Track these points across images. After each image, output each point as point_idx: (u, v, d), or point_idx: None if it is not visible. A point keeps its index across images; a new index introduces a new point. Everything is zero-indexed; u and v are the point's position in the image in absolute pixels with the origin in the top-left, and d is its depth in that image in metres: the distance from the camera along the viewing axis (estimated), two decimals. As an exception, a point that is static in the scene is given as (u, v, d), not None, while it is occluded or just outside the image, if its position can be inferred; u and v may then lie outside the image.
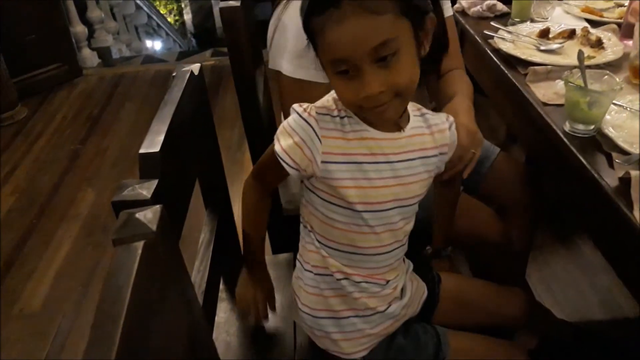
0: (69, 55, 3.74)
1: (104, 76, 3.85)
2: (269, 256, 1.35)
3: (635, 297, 0.96)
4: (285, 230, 1.39)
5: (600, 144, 1.04)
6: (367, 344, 0.97)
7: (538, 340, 1.24)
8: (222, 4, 1.20)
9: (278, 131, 0.87)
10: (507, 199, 1.43)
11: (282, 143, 0.85)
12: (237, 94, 1.28)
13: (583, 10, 1.66)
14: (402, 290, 0.99)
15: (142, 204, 0.68)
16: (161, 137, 0.81)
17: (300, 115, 0.84)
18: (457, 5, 1.73)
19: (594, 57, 1.35)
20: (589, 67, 1.18)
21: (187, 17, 8.35)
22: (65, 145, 3.01)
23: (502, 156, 1.44)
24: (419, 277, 1.05)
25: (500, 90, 1.47)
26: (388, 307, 0.95)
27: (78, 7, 3.93)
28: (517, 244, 1.42)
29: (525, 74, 1.32)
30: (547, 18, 1.62)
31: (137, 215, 0.60)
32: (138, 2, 5.61)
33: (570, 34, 1.48)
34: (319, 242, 0.92)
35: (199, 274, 0.97)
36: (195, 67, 1.04)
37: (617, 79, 1.06)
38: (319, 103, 0.87)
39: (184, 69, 1.03)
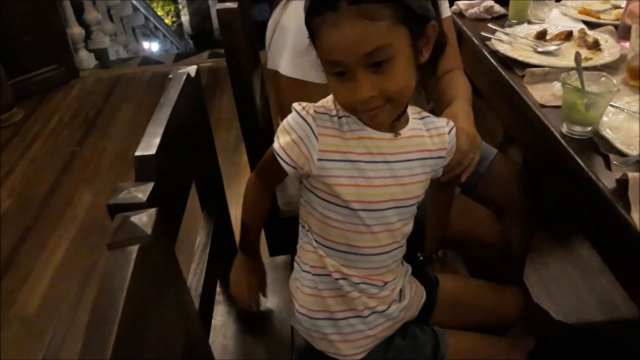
0: (65, 56, 3.74)
1: (100, 78, 3.84)
2: (266, 259, 1.34)
3: (632, 298, 0.96)
4: (282, 233, 1.38)
5: (597, 145, 1.04)
6: (365, 346, 0.97)
7: (536, 342, 1.24)
8: (219, 6, 1.20)
9: (278, 129, 0.88)
10: (505, 200, 1.42)
11: (280, 141, 0.86)
12: (234, 95, 1.27)
13: (580, 12, 1.66)
14: (401, 293, 0.99)
15: (138, 207, 0.67)
16: (157, 140, 0.81)
17: (299, 113, 0.85)
18: (454, 7, 1.73)
19: (591, 59, 1.35)
20: (586, 68, 1.18)
21: (185, 18, 8.35)
22: (62, 147, 3.00)
23: (500, 157, 1.44)
24: (417, 281, 1.05)
25: (497, 91, 1.47)
26: (387, 308, 0.95)
27: (75, 8, 3.93)
28: (515, 245, 1.42)
29: (523, 76, 1.31)
30: (544, 20, 1.62)
31: (132, 218, 0.59)
32: (135, 3, 5.60)
33: (568, 35, 1.48)
34: (316, 241, 0.92)
35: (195, 277, 0.97)
36: (192, 69, 1.04)
37: (615, 81, 1.06)
38: (319, 103, 0.88)
39: (180, 71, 1.02)
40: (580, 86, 1.07)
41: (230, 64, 1.24)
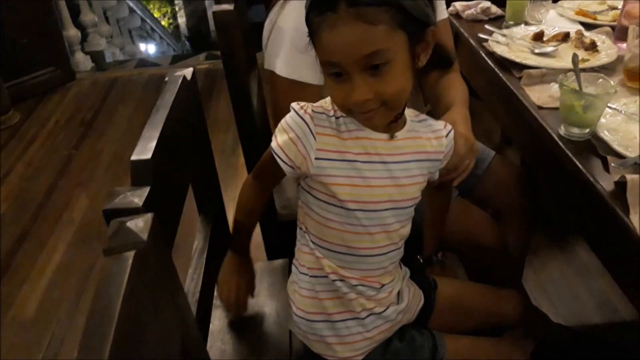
0: (62, 59, 3.73)
1: (97, 80, 3.83)
2: (263, 262, 1.34)
3: (631, 300, 0.95)
4: (280, 236, 1.38)
5: (595, 147, 1.04)
6: (362, 348, 0.96)
7: (535, 345, 1.23)
8: (216, 8, 1.19)
9: (276, 129, 0.88)
10: (503, 203, 1.42)
11: (278, 140, 0.87)
12: (230, 98, 1.27)
13: (577, 13, 1.66)
14: (399, 295, 0.99)
15: (134, 211, 0.67)
16: (153, 144, 0.80)
17: (297, 113, 0.86)
18: (451, 8, 1.73)
19: (588, 60, 1.35)
20: (584, 70, 1.18)
21: (181, 20, 8.35)
22: (58, 150, 2.99)
23: (498, 160, 1.44)
24: (415, 284, 1.05)
25: (494, 93, 1.47)
26: (385, 310, 0.95)
27: (71, 10, 3.92)
28: (513, 248, 1.42)
29: (520, 77, 1.31)
30: (541, 21, 1.62)
31: (127, 224, 0.59)
32: (131, 5, 5.59)
33: (565, 36, 1.48)
34: (313, 243, 0.92)
35: (192, 281, 0.96)
36: (188, 72, 1.03)
37: (612, 82, 1.06)
38: (317, 103, 0.88)
39: (176, 73, 1.02)
40: (577, 88, 1.07)
41: (227, 66, 1.24)
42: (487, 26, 1.59)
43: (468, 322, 1.08)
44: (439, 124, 0.95)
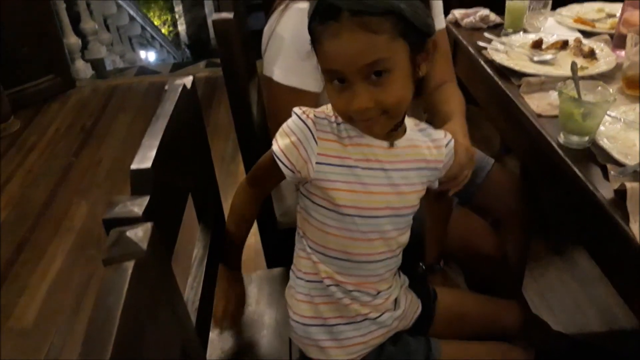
0: (62, 67, 3.73)
1: (97, 88, 3.83)
2: (263, 270, 1.34)
3: (632, 309, 0.95)
4: (280, 244, 1.38)
5: (594, 155, 1.04)
6: (356, 352, 0.97)
7: (535, 353, 1.23)
8: (215, 17, 1.20)
9: (277, 133, 0.88)
10: (502, 211, 1.42)
11: (279, 143, 0.87)
12: (230, 106, 1.27)
13: (575, 21, 1.67)
14: (396, 302, 0.99)
15: (134, 221, 0.67)
16: (153, 153, 0.80)
17: (299, 117, 0.86)
18: (450, 17, 1.74)
19: (586, 68, 1.35)
20: (582, 77, 1.18)
21: (181, 28, 8.36)
22: (58, 158, 2.99)
23: (497, 167, 1.44)
24: (413, 293, 1.05)
25: (494, 101, 1.47)
26: (380, 316, 0.96)
27: (71, 18, 3.93)
28: (513, 256, 1.42)
29: (519, 85, 1.32)
30: (539, 29, 1.63)
31: (127, 233, 0.59)
32: (132, 13, 5.61)
33: (563, 44, 1.48)
34: (310, 247, 0.93)
35: (192, 290, 0.96)
36: (188, 81, 1.03)
37: (611, 90, 1.06)
38: (319, 109, 0.89)
39: (176, 82, 1.02)
40: (576, 96, 1.07)
41: (227, 74, 1.24)
42: (486, 34, 1.60)
43: (467, 332, 1.08)
44: (439, 133, 0.96)
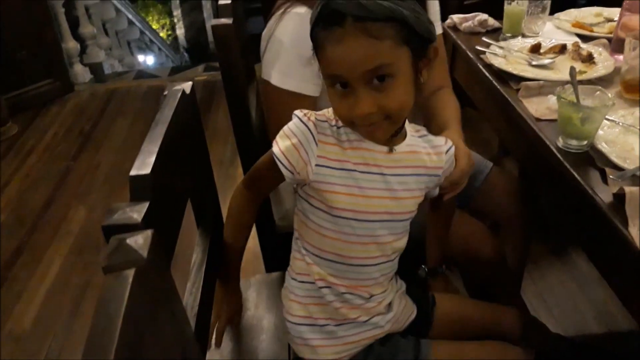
0: (60, 71, 3.73)
1: (95, 92, 3.83)
2: (261, 275, 1.34)
3: (630, 310, 0.95)
4: (278, 248, 1.38)
5: (593, 159, 1.04)
6: (345, 351, 0.97)
7: (534, 355, 1.23)
8: (214, 22, 1.20)
9: (278, 135, 0.89)
10: (501, 214, 1.42)
11: (280, 145, 0.87)
12: (229, 110, 1.27)
13: (573, 25, 1.67)
14: (390, 306, 1.00)
15: (133, 227, 0.67)
16: (152, 159, 0.80)
17: (300, 119, 0.87)
18: (448, 21, 1.74)
19: (585, 72, 1.36)
20: (581, 82, 1.18)
21: (180, 32, 8.38)
22: (57, 162, 2.99)
23: (496, 171, 1.44)
24: (409, 298, 1.06)
25: (492, 105, 1.47)
26: (370, 319, 0.96)
27: (70, 22, 3.93)
28: (512, 259, 1.42)
29: (518, 89, 1.32)
30: (538, 33, 1.63)
31: (127, 241, 0.58)
32: (130, 17, 5.61)
33: (562, 49, 1.48)
34: (305, 249, 0.94)
35: (191, 295, 0.95)
36: (187, 86, 1.03)
37: (609, 94, 1.07)
38: (319, 112, 0.90)
39: (175, 87, 1.02)
40: (575, 100, 1.07)
41: (226, 78, 1.24)
42: (484, 38, 1.60)
43: (466, 338, 1.08)
44: (440, 140, 0.97)
